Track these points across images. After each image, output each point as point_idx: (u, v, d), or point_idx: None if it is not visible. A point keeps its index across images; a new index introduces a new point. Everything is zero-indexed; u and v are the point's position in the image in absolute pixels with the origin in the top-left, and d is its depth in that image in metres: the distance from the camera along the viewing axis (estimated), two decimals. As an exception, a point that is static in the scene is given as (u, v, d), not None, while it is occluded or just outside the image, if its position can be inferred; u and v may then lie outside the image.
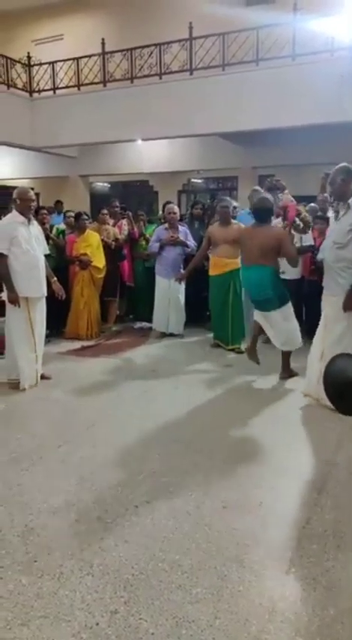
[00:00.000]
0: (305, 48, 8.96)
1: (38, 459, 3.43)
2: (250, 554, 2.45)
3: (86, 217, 7.02)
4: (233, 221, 6.18)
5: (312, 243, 6.21)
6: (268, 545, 2.51)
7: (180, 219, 7.39)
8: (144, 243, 7.56)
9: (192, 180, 14.82)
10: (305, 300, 6.46)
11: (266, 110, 9.13)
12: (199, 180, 15.00)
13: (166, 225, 6.88)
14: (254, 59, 9.47)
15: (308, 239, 6.19)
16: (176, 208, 7.09)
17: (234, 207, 6.73)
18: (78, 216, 7.09)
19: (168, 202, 7.89)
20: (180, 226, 6.90)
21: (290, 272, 6.23)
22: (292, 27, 9.16)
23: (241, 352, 5.96)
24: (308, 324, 6.61)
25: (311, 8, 9.21)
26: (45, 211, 7.07)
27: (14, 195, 4.83)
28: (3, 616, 2.09)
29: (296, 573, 2.33)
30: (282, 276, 6.22)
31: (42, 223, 6.54)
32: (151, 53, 10.44)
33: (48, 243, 6.14)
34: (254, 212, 5.17)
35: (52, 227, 7.26)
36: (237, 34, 9.51)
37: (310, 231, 6.12)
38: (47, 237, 6.55)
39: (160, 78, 10.39)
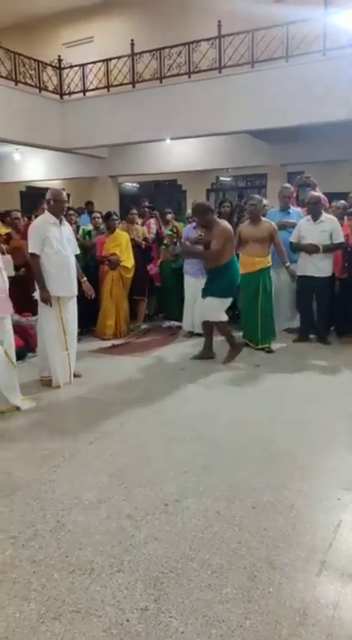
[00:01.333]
0: (335, 43, 8.84)
1: (70, 456, 3.47)
2: (281, 556, 2.43)
3: (115, 217, 7.06)
4: (263, 219, 6.13)
5: (342, 241, 6.13)
6: (299, 547, 2.49)
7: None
8: (165, 244, 7.54)
9: (221, 178, 14.78)
10: (337, 300, 6.39)
11: (296, 107, 9.04)
12: (228, 179, 14.95)
13: (194, 224, 6.87)
14: (283, 55, 9.38)
15: (339, 236, 6.11)
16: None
17: (264, 205, 6.69)
18: (107, 216, 7.15)
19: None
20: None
21: (321, 270, 6.19)
22: (322, 21, 9.04)
23: (271, 351, 5.93)
24: (339, 325, 6.55)
25: (341, 2, 9.08)
26: (72, 212, 7.14)
27: (48, 196, 4.89)
28: (36, 609, 2.12)
29: (328, 576, 2.31)
30: (311, 274, 6.18)
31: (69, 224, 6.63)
32: (180, 52, 10.44)
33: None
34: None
35: (78, 228, 7.33)
36: (266, 30, 9.44)
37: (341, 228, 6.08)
38: None
39: (189, 77, 10.39)
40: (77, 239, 6.86)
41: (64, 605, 2.14)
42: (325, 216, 6.22)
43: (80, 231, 7.28)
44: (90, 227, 7.61)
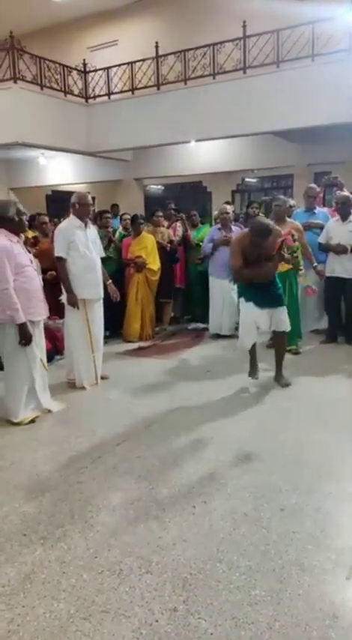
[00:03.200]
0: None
1: (97, 458, 3.50)
2: (309, 558, 2.41)
3: (141, 220, 7.09)
4: (288, 220, 6.09)
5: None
6: (328, 550, 2.47)
7: (236, 220, 7.35)
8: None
9: (246, 179, 14.72)
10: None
11: (323, 106, 8.95)
12: (253, 180, 14.87)
13: (219, 225, 6.87)
14: (309, 54, 9.30)
15: None
16: (229, 208, 7.06)
17: (290, 206, 6.65)
18: (134, 219, 7.19)
19: (227, 202, 7.88)
20: (233, 226, 6.87)
21: (349, 271, 6.11)
22: (348, 19, 8.93)
23: (297, 353, 5.88)
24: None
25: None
26: (109, 215, 7.20)
27: (73, 200, 4.94)
28: (66, 609, 2.15)
29: (358, 579, 2.28)
30: (339, 274, 6.11)
31: (105, 227, 6.70)
32: (204, 54, 10.44)
33: (109, 246, 6.27)
34: None
35: (115, 231, 7.39)
36: (291, 29, 9.37)
37: None
38: (110, 241, 6.71)
39: (214, 78, 10.37)
40: (114, 242, 6.95)
41: (94, 606, 2.16)
42: None
43: (117, 234, 7.35)
44: (122, 230, 7.68)
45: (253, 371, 4.99)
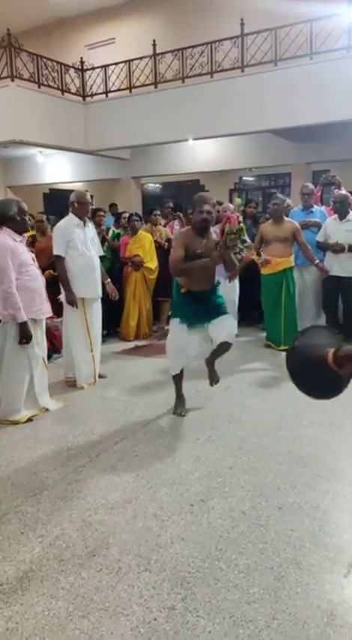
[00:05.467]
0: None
1: (95, 456, 3.50)
2: (308, 557, 2.42)
3: (136, 219, 7.08)
4: (285, 219, 6.09)
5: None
6: (326, 549, 2.48)
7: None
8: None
9: (244, 178, 14.71)
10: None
11: (321, 104, 8.94)
12: (251, 178, 14.88)
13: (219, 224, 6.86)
14: (307, 53, 9.30)
15: None
16: (231, 206, 7.05)
17: (287, 205, 6.66)
18: (129, 217, 7.19)
19: (219, 202, 7.87)
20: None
21: (346, 270, 6.11)
22: (347, 18, 8.92)
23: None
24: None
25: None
26: (102, 213, 7.19)
27: (72, 198, 4.94)
28: (64, 607, 2.15)
29: (356, 577, 2.29)
30: (336, 273, 6.11)
31: (98, 225, 6.68)
32: (202, 52, 10.42)
33: (103, 245, 6.26)
34: None
35: (108, 229, 7.38)
36: (289, 27, 9.36)
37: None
38: (103, 239, 6.68)
39: (211, 76, 10.36)
40: (108, 240, 6.93)
41: (92, 604, 2.17)
42: None
43: (110, 233, 7.34)
44: (115, 228, 7.67)
45: (179, 403, 4.32)
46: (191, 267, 4.00)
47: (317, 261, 6.07)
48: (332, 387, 1.89)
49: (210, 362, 4.39)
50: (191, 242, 4.02)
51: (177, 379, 4.32)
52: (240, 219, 4.16)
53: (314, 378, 1.87)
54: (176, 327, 4.16)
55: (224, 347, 4.19)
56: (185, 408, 4.28)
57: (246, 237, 4.15)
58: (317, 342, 1.87)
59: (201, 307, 4.11)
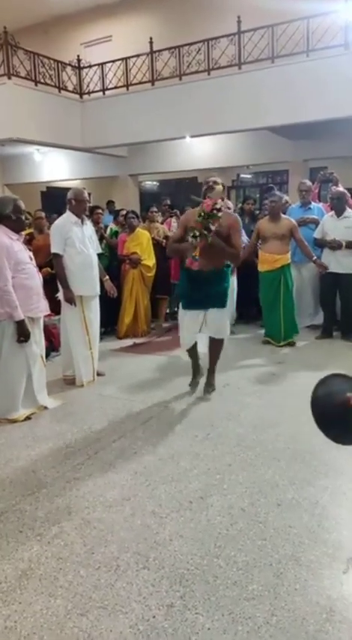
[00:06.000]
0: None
1: (93, 454, 3.50)
2: (306, 553, 2.42)
3: (133, 216, 7.07)
4: (283, 216, 6.09)
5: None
6: (325, 545, 2.47)
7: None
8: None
9: (242, 175, 14.71)
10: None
11: (317, 102, 8.94)
12: (248, 176, 14.87)
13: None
14: (304, 50, 9.28)
15: None
16: (230, 203, 7.06)
17: (285, 202, 6.67)
18: (126, 215, 7.18)
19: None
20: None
21: (344, 266, 6.12)
22: (344, 14, 8.91)
23: (293, 344, 5.96)
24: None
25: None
26: (100, 210, 7.17)
27: (69, 196, 4.92)
28: (63, 605, 2.14)
29: (355, 573, 2.29)
30: (334, 270, 6.11)
31: (96, 223, 6.66)
32: (199, 49, 10.41)
33: (101, 243, 6.25)
34: None
35: (106, 227, 7.37)
36: (286, 25, 9.34)
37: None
38: (101, 237, 6.68)
39: (208, 74, 10.35)
40: (106, 238, 6.92)
41: (91, 602, 2.16)
42: (349, 212, 6.15)
43: (108, 231, 7.33)
44: (115, 226, 7.65)
45: (194, 376, 4.58)
46: (174, 249, 4.17)
47: (315, 257, 6.08)
48: None
49: (209, 369, 4.52)
50: (193, 223, 3.99)
51: (191, 353, 4.52)
52: (218, 205, 3.98)
53: (340, 422, 1.96)
54: (182, 311, 4.36)
55: (215, 345, 4.31)
56: (196, 380, 4.56)
57: (212, 226, 3.96)
58: (337, 388, 2.04)
59: (201, 290, 4.11)
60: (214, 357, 4.47)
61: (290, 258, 6.12)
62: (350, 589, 2.20)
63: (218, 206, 3.97)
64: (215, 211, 3.94)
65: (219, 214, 3.96)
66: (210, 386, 4.55)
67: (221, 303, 4.20)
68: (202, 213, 3.92)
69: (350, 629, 1.98)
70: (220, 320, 4.24)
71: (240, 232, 4.30)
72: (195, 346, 4.45)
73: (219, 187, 4.20)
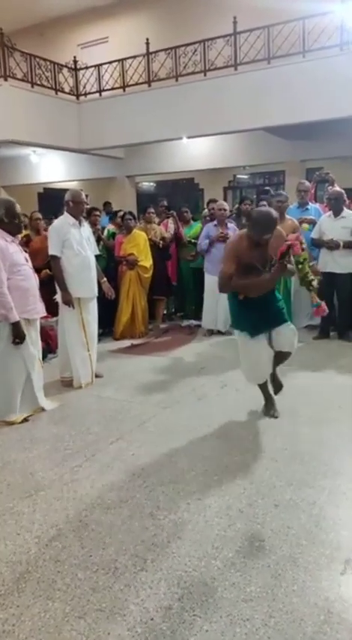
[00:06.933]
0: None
1: (91, 456, 3.49)
2: (304, 554, 2.42)
3: (130, 217, 7.07)
4: (286, 216, 6.07)
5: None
6: (323, 546, 2.47)
7: (227, 216, 7.35)
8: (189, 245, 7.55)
9: (238, 176, 14.71)
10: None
11: (314, 102, 8.95)
12: (245, 176, 14.87)
13: (215, 222, 6.86)
14: (300, 51, 9.30)
15: None
16: (226, 205, 7.07)
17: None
18: (123, 216, 7.18)
19: (213, 200, 7.89)
20: (228, 223, 6.86)
21: (342, 266, 6.12)
22: (339, 15, 8.92)
23: None
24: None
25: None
26: (97, 212, 7.17)
27: (67, 197, 4.92)
28: (61, 608, 2.14)
29: (353, 574, 2.29)
30: (331, 270, 6.12)
31: (94, 224, 6.66)
32: (195, 50, 10.41)
33: (98, 244, 6.25)
34: None
35: (103, 229, 7.37)
36: (282, 25, 9.36)
37: None
38: (98, 239, 6.67)
39: (205, 75, 10.36)
40: (103, 239, 6.92)
41: (89, 604, 2.16)
42: (346, 212, 6.16)
43: (105, 232, 7.32)
44: (113, 228, 7.65)
45: (268, 405, 4.13)
46: (244, 287, 3.72)
47: (312, 262, 6.08)
48: None
49: (272, 374, 4.13)
50: (244, 252, 3.66)
51: (262, 386, 4.10)
52: (304, 245, 3.81)
53: None
54: (246, 341, 3.90)
55: (285, 356, 4.00)
56: (275, 409, 4.06)
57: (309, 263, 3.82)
58: None
59: (263, 312, 3.81)
60: (279, 363, 4.10)
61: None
62: (348, 590, 2.20)
63: (304, 245, 3.90)
64: (305, 252, 3.89)
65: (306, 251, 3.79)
66: (278, 385, 4.18)
67: (285, 317, 3.93)
68: (301, 260, 3.87)
69: (348, 631, 1.98)
70: (292, 335, 3.92)
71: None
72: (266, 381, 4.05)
73: (306, 225, 3.99)
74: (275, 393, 4.16)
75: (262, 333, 3.86)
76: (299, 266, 3.69)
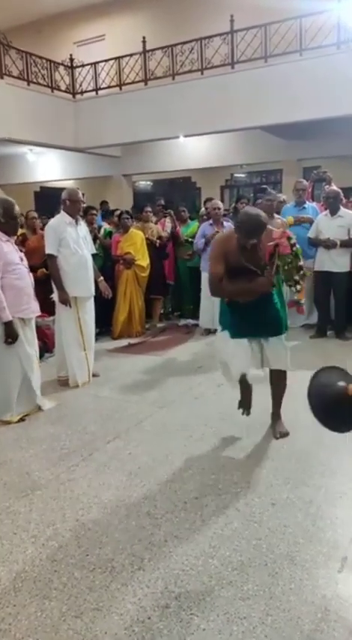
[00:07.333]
0: (350, 35, 8.72)
1: (88, 455, 3.49)
2: (301, 552, 2.42)
3: (126, 216, 7.06)
4: (276, 216, 6.08)
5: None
6: (320, 544, 2.48)
7: (224, 215, 7.35)
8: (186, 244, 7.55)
9: (235, 175, 14.71)
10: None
11: (311, 101, 8.94)
12: (242, 175, 14.87)
13: (211, 221, 6.86)
14: (297, 49, 9.29)
15: None
16: (220, 204, 7.06)
17: (281, 201, 6.67)
18: (120, 215, 7.17)
19: (209, 199, 7.88)
20: (224, 222, 6.86)
21: (338, 265, 6.13)
22: (336, 13, 8.92)
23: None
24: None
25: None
26: (94, 211, 7.16)
27: (64, 196, 4.91)
28: (58, 607, 2.14)
29: (350, 572, 2.29)
30: (328, 269, 6.12)
31: (90, 223, 6.65)
32: (192, 49, 10.40)
33: (95, 243, 6.26)
34: None
35: (100, 228, 7.36)
36: (279, 24, 9.35)
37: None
38: (95, 238, 6.66)
39: (202, 73, 10.34)
40: (99, 238, 6.91)
41: (85, 603, 2.15)
42: (343, 211, 6.17)
43: (102, 231, 7.32)
44: (109, 227, 7.64)
45: (242, 404, 3.84)
46: (236, 292, 3.38)
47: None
48: None
49: (273, 413, 3.77)
50: (233, 252, 3.31)
51: (241, 388, 3.73)
52: (293, 240, 3.33)
53: (338, 412, 2.03)
54: (226, 339, 3.56)
55: (279, 379, 3.63)
56: (248, 410, 3.81)
57: (302, 263, 3.41)
58: (332, 380, 2.10)
59: (252, 317, 3.42)
60: (277, 395, 3.73)
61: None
62: (346, 588, 2.20)
63: (293, 240, 3.33)
64: (295, 248, 3.34)
65: (298, 247, 3.36)
66: (280, 429, 3.69)
67: (278, 328, 3.51)
68: (289, 260, 3.28)
69: (345, 629, 1.98)
70: (282, 351, 3.55)
71: None
72: (246, 381, 3.62)
73: (291, 218, 3.54)
74: (275, 435, 3.65)
75: (246, 338, 3.47)
76: (286, 267, 3.30)
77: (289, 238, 3.31)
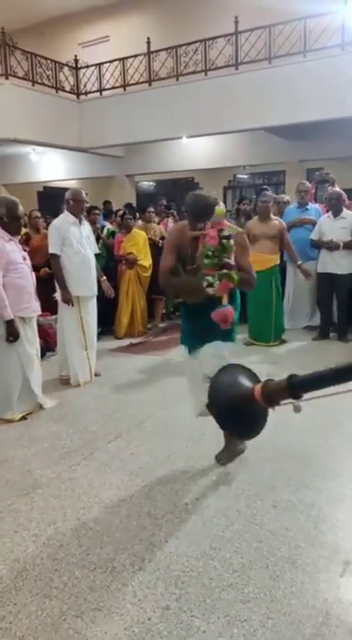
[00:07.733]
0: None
1: (89, 455, 3.48)
2: (303, 555, 2.41)
3: (130, 217, 7.06)
4: (273, 217, 6.09)
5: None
6: (321, 547, 2.47)
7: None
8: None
9: (238, 175, 14.70)
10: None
11: (314, 102, 8.94)
12: (245, 176, 14.86)
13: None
14: (301, 50, 9.29)
15: None
16: (222, 205, 7.05)
17: (285, 202, 6.68)
18: (122, 215, 7.17)
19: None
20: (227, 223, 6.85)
21: (341, 267, 6.12)
22: (341, 15, 8.92)
23: (284, 341, 6.10)
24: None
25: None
26: (97, 211, 7.16)
27: (67, 196, 4.91)
28: (58, 606, 2.13)
29: (351, 576, 2.28)
30: (331, 270, 6.12)
31: (93, 223, 6.65)
32: (196, 50, 10.41)
33: (98, 243, 6.26)
34: None
35: (103, 227, 7.36)
36: (283, 25, 9.35)
37: None
38: (98, 238, 6.67)
39: (205, 74, 10.35)
40: (102, 238, 6.91)
41: (86, 603, 2.15)
42: (346, 212, 6.16)
43: (105, 231, 7.32)
44: (112, 227, 7.64)
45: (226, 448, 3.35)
46: (174, 286, 3.18)
47: (300, 262, 6.11)
48: (261, 420, 1.89)
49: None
50: (185, 244, 3.10)
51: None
52: (226, 232, 2.96)
53: (244, 417, 1.85)
54: (185, 358, 3.37)
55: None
56: (225, 459, 3.33)
57: (228, 259, 2.96)
58: (235, 380, 1.84)
59: (200, 323, 3.12)
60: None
61: (286, 260, 6.14)
62: (347, 592, 2.19)
63: (226, 233, 2.97)
64: (225, 241, 2.95)
65: (232, 242, 2.97)
66: (225, 455, 3.32)
67: (224, 335, 3.14)
68: (210, 252, 2.92)
69: (346, 633, 1.97)
70: (212, 355, 3.10)
71: (248, 250, 3.22)
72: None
73: (221, 208, 3.19)
74: (216, 457, 3.32)
75: (199, 347, 3.20)
76: (206, 261, 2.91)
77: (221, 230, 2.97)
